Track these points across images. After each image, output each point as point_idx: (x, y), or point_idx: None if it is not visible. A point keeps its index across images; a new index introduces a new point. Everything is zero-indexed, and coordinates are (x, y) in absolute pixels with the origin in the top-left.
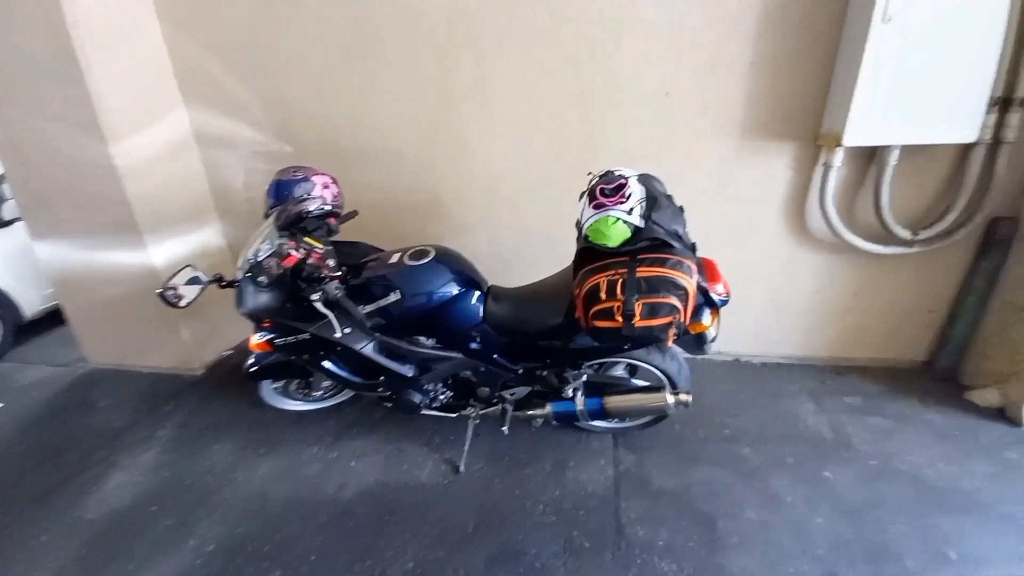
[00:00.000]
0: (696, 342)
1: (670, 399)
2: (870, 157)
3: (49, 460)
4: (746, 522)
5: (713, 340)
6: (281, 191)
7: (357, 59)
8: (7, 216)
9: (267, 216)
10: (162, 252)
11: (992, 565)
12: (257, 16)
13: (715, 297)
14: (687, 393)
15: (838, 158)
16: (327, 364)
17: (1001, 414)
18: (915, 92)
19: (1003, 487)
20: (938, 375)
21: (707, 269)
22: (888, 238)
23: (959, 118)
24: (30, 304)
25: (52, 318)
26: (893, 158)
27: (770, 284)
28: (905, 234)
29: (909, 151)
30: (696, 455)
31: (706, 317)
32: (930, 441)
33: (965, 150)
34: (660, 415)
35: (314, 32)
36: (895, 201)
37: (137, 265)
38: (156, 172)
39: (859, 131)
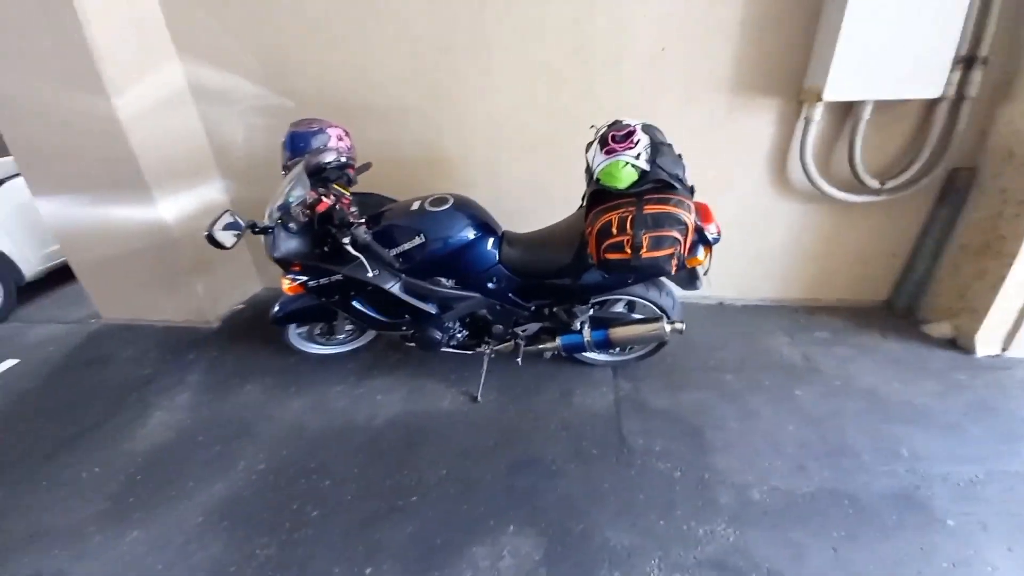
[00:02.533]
0: (689, 277)
1: (667, 327)
2: (846, 112)
3: (83, 404)
4: (729, 431)
5: (706, 274)
6: (297, 143)
7: (358, 8)
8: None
9: (286, 167)
10: (172, 207)
11: (938, 463)
12: None
13: (708, 235)
14: (681, 322)
15: (818, 112)
16: (356, 304)
17: (953, 344)
18: (889, 51)
19: (949, 402)
20: (897, 312)
21: (701, 211)
22: (859, 188)
23: (926, 75)
24: (29, 265)
25: (52, 278)
26: (867, 113)
27: (752, 232)
28: (874, 183)
29: (881, 106)
30: (686, 382)
31: (700, 253)
32: (887, 365)
33: (931, 105)
34: (659, 342)
35: None
36: (866, 153)
37: (147, 220)
38: (157, 127)
39: (838, 86)
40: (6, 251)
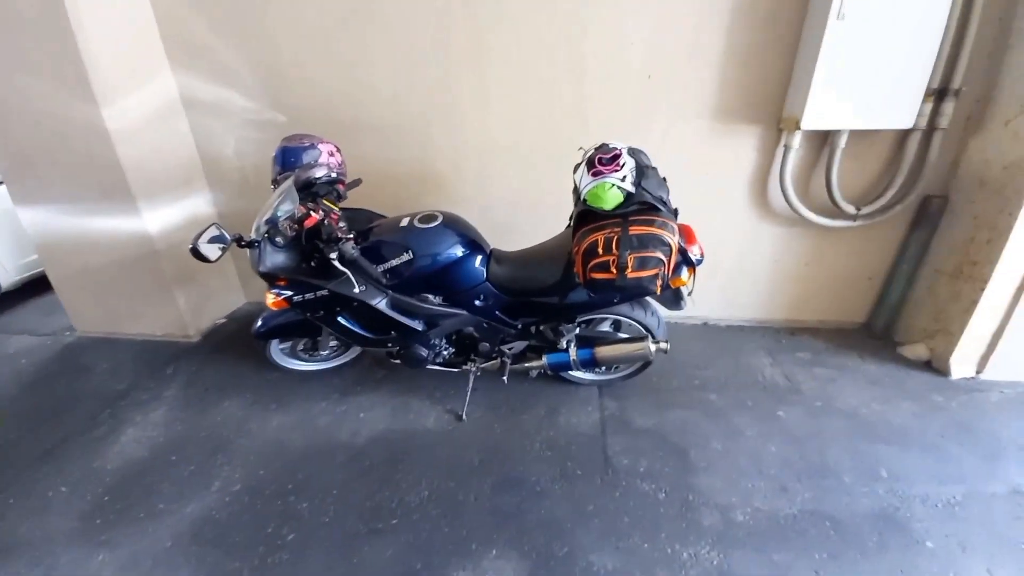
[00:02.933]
0: (674, 297)
1: (652, 347)
2: (823, 140)
3: (52, 420)
4: (712, 451)
5: (690, 294)
6: (288, 157)
7: (353, 25)
8: None
9: (275, 181)
10: (157, 219)
11: (917, 483)
12: None
13: (692, 256)
14: (666, 341)
15: (797, 140)
16: (341, 320)
17: (928, 366)
18: (863, 82)
19: (927, 423)
20: (875, 334)
21: (685, 233)
22: (836, 213)
23: (899, 106)
24: (6, 274)
25: (28, 289)
26: (842, 141)
27: (735, 253)
28: (850, 209)
29: (856, 135)
30: (670, 401)
31: (684, 273)
32: (866, 387)
33: (904, 135)
34: (644, 361)
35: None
36: (843, 180)
37: (131, 231)
38: (146, 138)
39: (815, 116)
40: None
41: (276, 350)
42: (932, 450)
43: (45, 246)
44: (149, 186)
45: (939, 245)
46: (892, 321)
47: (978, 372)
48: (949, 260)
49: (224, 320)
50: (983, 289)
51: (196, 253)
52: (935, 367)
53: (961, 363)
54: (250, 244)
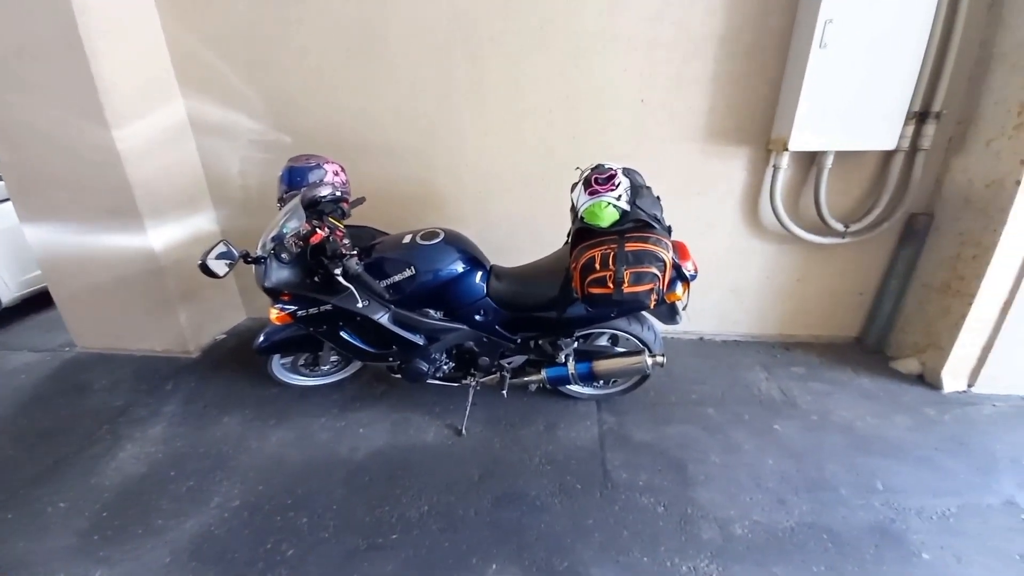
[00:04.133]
0: (669, 312)
1: (648, 360)
2: (811, 161)
3: (51, 437)
4: (711, 465)
5: (684, 308)
6: (294, 177)
7: (359, 56)
8: None
9: (281, 200)
10: (161, 236)
11: (912, 496)
12: (258, 12)
13: (686, 272)
14: (662, 355)
15: (785, 161)
16: (343, 334)
17: (921, 379)
18: (846, 106)
19: (921, 436)
20: (867, 348)
21: (679, 249)
22: (825, 230)
23: (881, 129)
24: (7, 290)
25: (27, 305)
26: (828, 162)
27: (729, 271)
28: (839, 227)
29: (841, 156)
30: (668, 415)
31: (679, 288)
32: (860, 401)
33: (888, 155)
34: (641, 375)
35: (317, 29)
36: (830, 198)
37: (136, 249)
38: (155, 158)
39: (801, 138)
40: None
41: (277, 365)
42: (927, 463)
43: (49, 262)
44: (156, 204)
45: (927, 261)
46: (884, 336)
47: (970, 385)
48: (937, 276)
49: (224, 336)
50: (971, 304)
51: (205, 269)
52: (927, 381)
53: (953, 377)
54: (256, 260)
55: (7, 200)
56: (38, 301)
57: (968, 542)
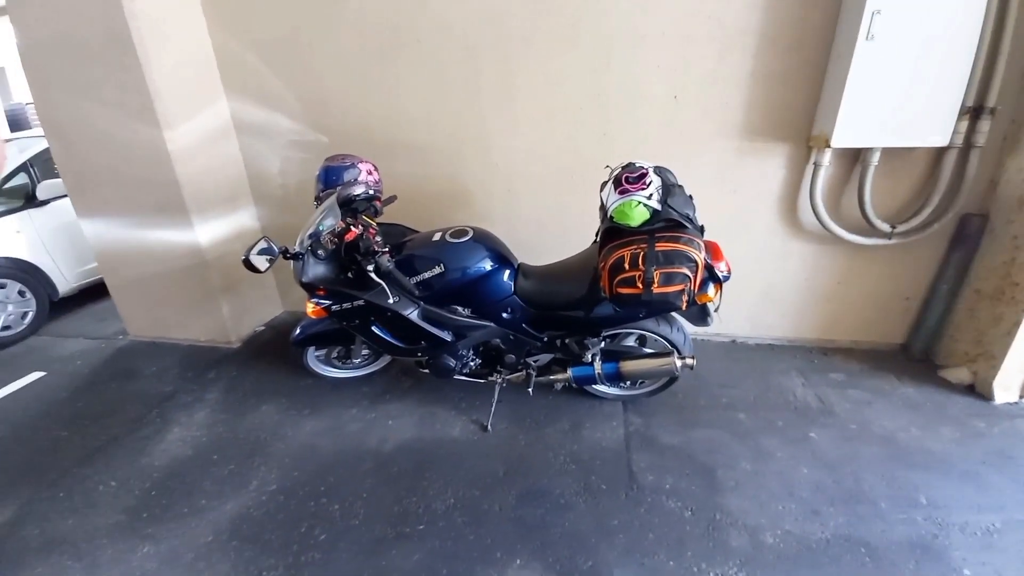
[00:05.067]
0: (700, 313)
1: (677, 362)
2: (855, 158)
3: (105, 418)
4: (741, 471)
5: (716, 310)
6: (330, 176)
7: (392, 59)
8: (42, 196)
9: (318, 198)
10: (207, 232)
11: (956, 511)
12: (298, 18)
13: (718, 273)
14: (692, 357)
15: (826, 158)
16: (375, 329)
17: (971, 390)
18: (895, 101)
19: (968, 449)
20: (913, 356)
21: (712, 249)
22: (869, 231)
23: (933, 125)
24: (64, 281)
25: (83, 296)
26: (875, 159)
27: (764, 272)
28: (884, 227)
29: (889, 153)
30: (697, 419)
31: (711, 290)
32: (904, 411)
33: (939, 153)
34: (669, 377)
35: (352, 33)
36: (876, 197)
37: (183, 243)
38: (201, 158)
39: (846, 134)
40: (43, 267)
41: (312, 357)
42: (972, 477)
43: (105, 255)
44: (201, 202)
45: (979, 265)
46: (932, 343)
47: (1022, 397)
48: (989, 281)
49: (263, 328)
50: None
51: (248, 264)
52: (978, 391)
53: (1005, 388)
54: (295, 256)
55: (65, 196)
56: (92, 292)
57: (1011, 559)
